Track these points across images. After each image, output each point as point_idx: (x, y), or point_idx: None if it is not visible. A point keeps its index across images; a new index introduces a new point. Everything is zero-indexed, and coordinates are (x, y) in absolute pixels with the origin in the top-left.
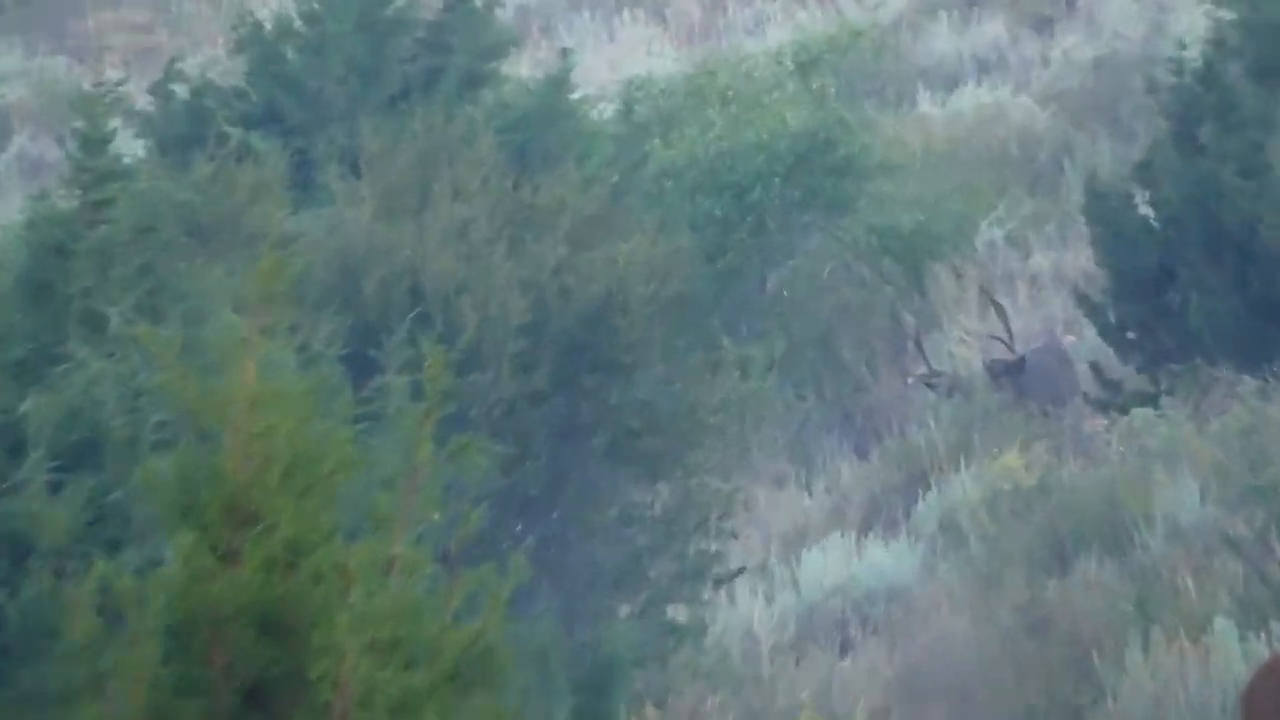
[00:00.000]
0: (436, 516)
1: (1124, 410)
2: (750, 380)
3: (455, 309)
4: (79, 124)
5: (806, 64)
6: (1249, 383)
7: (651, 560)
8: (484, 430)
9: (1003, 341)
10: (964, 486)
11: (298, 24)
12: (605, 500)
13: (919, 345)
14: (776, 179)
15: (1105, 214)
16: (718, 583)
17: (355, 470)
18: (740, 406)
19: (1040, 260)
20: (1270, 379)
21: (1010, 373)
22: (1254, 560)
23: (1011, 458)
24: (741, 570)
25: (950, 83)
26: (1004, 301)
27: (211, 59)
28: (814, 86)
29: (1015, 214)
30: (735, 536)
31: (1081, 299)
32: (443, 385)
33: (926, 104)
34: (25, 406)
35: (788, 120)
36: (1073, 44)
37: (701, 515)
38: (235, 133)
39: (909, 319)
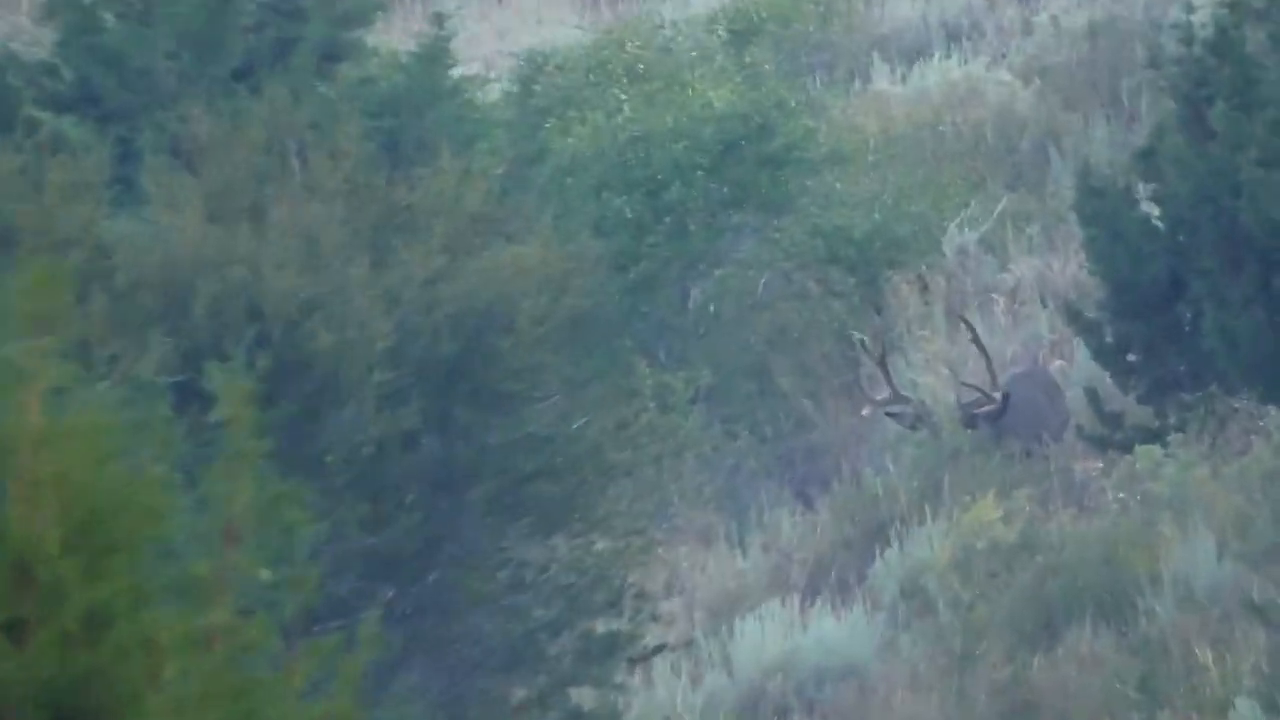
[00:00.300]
0: (266, 576)
1: (1124, 449)
2: (669, 414)
3: (303, 332)
4: None
5: (741, 34)
6: (1275, 415)
7: (551, 635)
8: (344, 479)
9: (980, 391)
10: (931, 542)
11: None
12: (492, 561)
13: (883, 365)
14: (700, 172)
15: (1101, 213)
16: (632, 662)
17: (168, 523)
18: (657, 446)
19: (1022, 269)
20: None
21: (988, 418)
22: None
23: (988, 507)
24: (661, 647)
25: (913, 55)
26: (978, 320)
27: (15, 27)
28: (747, 60)
29: (991, 213)
30: (654, 608)
31: (1072, 315)
32: (246, 424)
33: (884, 81)
34: None
35: (714, 101)
36: (1061, 8)
37: (611, 579)
38: (44, 118)
39: (867, 338)
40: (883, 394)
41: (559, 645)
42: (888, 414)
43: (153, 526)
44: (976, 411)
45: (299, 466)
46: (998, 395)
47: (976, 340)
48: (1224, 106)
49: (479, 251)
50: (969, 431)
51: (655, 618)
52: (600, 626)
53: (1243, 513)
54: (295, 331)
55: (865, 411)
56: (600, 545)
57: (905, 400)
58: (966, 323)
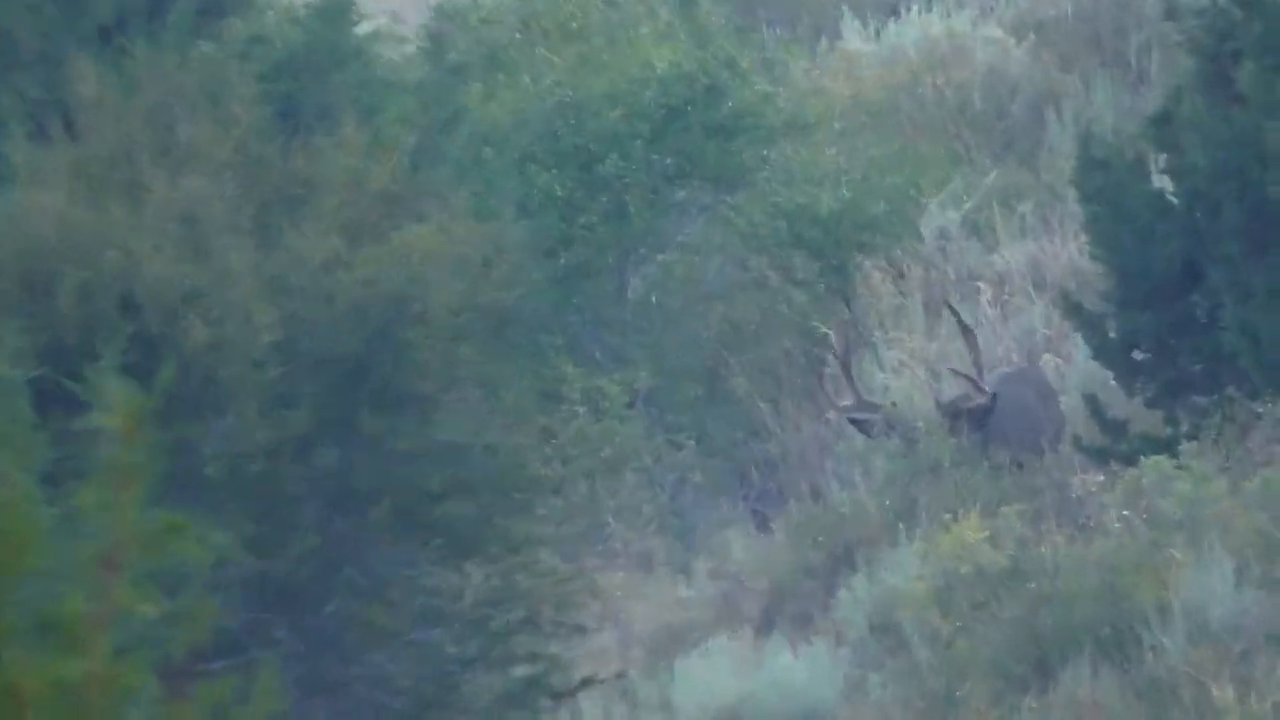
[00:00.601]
0: (150, 611)
1: (1129, 461)
2: (604, 422)
3: (182, 325)
4: None
5: None
6: None
7: (465, 673)
8: (226, 495)
9: (970, 380)
10: (905, 568)
11: None
12: (399, 590)
13: (846, 367)
14: (640, 142)
15: (1105, 188)
16: (556, 697)
17: (34, 550)
18: (589, 458)
19: (1013, 254)
20: None
21: (973, 418)
22: None
23: (972, 527)
24: (590, 682)
25: (887, 8)
26: (963, 312)
27: None
28: (695, 16)
29: (978, 190)
30: (585, 643)
31: (1070, 307)
32: (139, 442)
33: (855, 38)
34: None
35: (655, 62)
36: None
37: (533, 610)
38: None
39: (832, 333)
40: (847, 398)
41: (475, 686)
42: (852, 421)
43: (16, 554)
44: (962, 406)
45: (175, 480)
46: (987, 389)
47: (961, 325)
48: (1252, 65)
49: (385, 233)
50: (950, 440)
51: (586, 652)
52: (523, 665)
53: (1265, 533)
54: (172, 325)
55: (831, 415)
56: (524, 572)
57: (872, 406)
58: (950, 307)
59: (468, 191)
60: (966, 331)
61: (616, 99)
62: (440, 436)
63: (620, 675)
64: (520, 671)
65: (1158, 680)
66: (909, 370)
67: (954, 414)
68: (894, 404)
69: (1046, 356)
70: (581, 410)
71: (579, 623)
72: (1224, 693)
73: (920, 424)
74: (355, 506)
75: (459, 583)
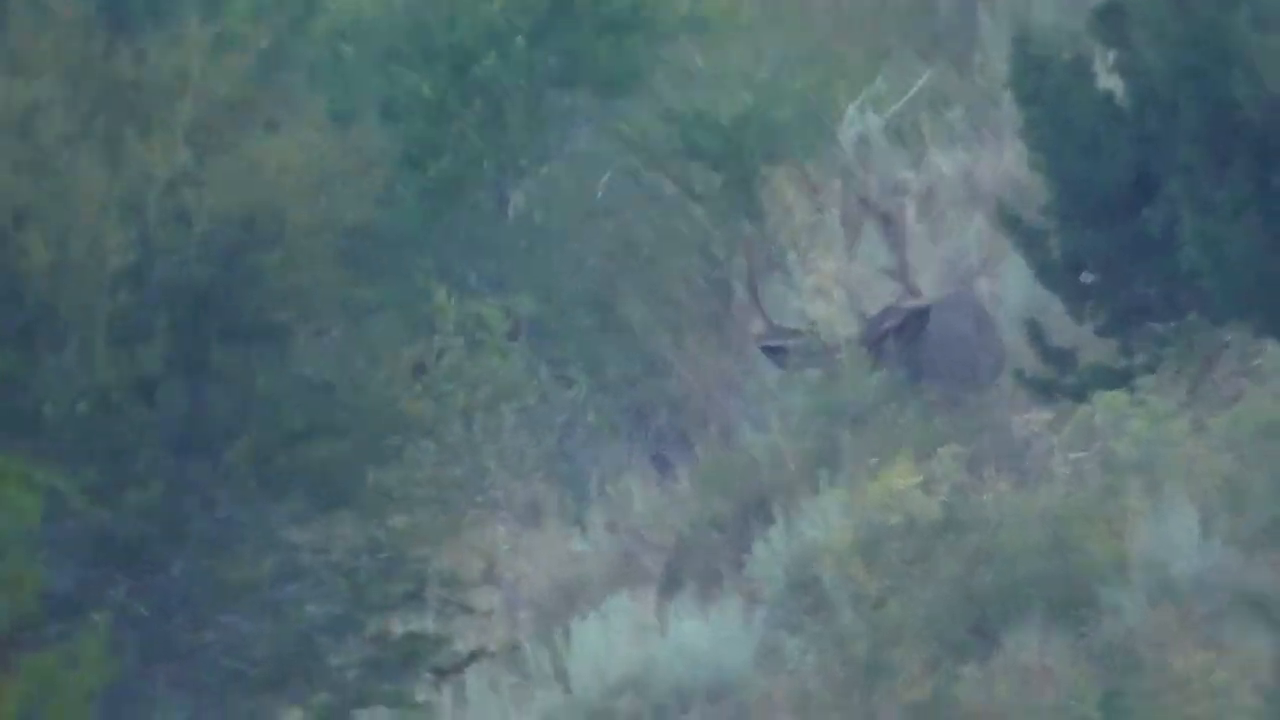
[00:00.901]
0: None
1: (1078, 397)
2: (481, 355)
3: (16, 247)
4: None
5: None
6: (1273, 353)
7: (333, 641)
8: (64, 439)
9: (899, 281)
10: (827, 519)
11: None
12: (254, 545)
13: (754, 290)
14: (520, 39)
15: (1045, 90)
16: (439, 674)
17: None
18: (466, 395)
19: (942, 163)
20: None
21: (902, 336)
22: None
23: (902, 472)
24: (476, 655)
25: None
26: (883, 234)
27: None
28: None
29: (903, 93)
30: (467, 604)
31: (1008, 223)
32: None
33: None
34: None
35: None
36: None
37: (410, 567)
38: None
39: (739, 254)
40: (757, 325)
41: (343, 653)
42: (764, 350)
43: None
44: (889, 324)
45: (4, 423)
46: (921, 294)
47: (885, 222)
48: None
49: (233, 145)
50: (876, 372)
51: (469, 616)
52: (397, 628)
53: (1233, 479)
54: (6, 246)
55: (740, 345)
56: (396, 523)
57: (786, 332)
58: (867, 203)
59: (325, 95)
60: (890, 227)
61: None
62: (300, 371)
63: (511, 648)
64: (395, 637)
65: (1114, 645)
66: (827, 294)
67: (876, 334)
68: (813, 327)
69: (982, 279)
70: (457, 342)
71: (460, 581)
72: (1188, 659)
73: (841, 352)
74: (206, 451)
75: (323, 535)
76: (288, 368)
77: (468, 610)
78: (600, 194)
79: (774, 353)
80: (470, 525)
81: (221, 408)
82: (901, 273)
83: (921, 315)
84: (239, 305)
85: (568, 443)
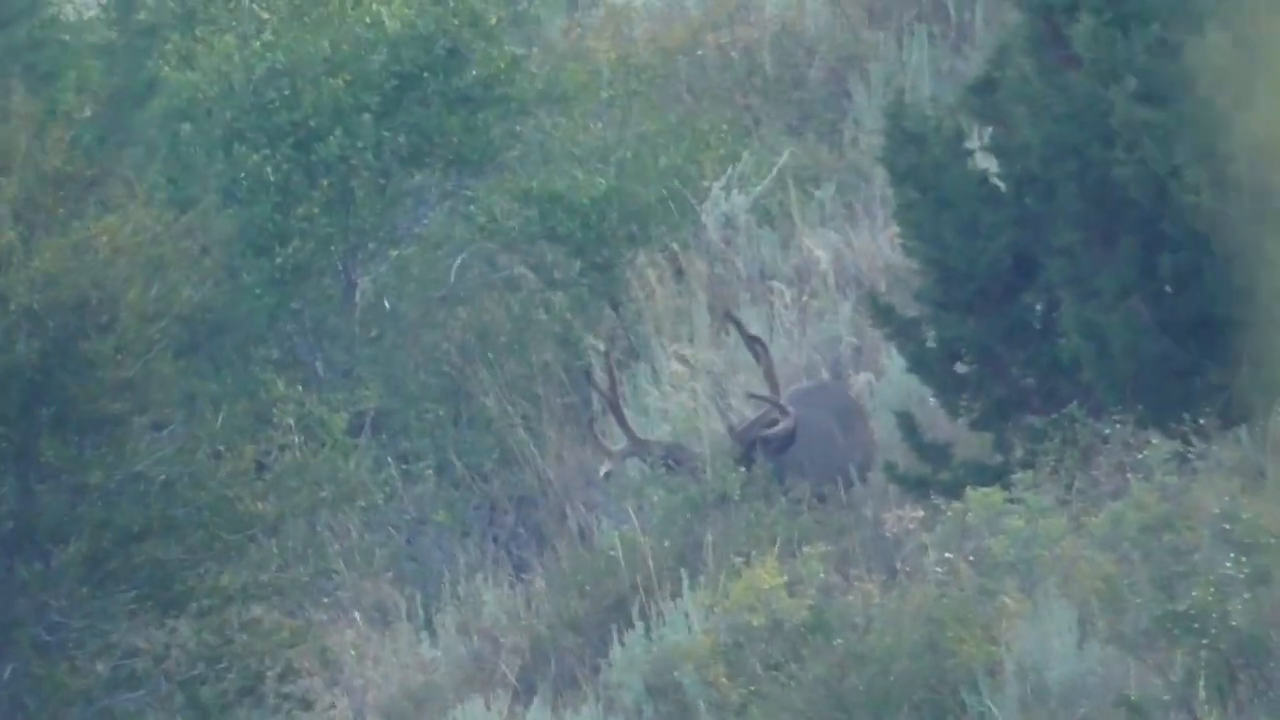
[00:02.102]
0: None
1: (952, 494)
2: (327, 450)
3: None
4: None
5: None
6: (1158, 445)
7: None
8: None
9: (770, 401)
10: (688, 623)
11: None
12: (88, 648)
13: (615, 406)
14: (368, 116)
15: (919, 169)
16: None
17: None
18: (310, 493)
19: (813, 247)
20: (1194, 439)
21: (769, 444)
22: None
23: (768, 572)
24: None
25: None
26: (752, 318)
27: None
28: None
29: (768, 169)
30: (308, 707)
31: (880, 311)
32: None
33: None
34: None
35: (385, 20)
36: None
37: (250, 672)
38: None
39: (595, 368)
40: (620, 441)
41: None
42: (609, 474)
43: None
44: (765, 434)
45: None
46: (790, 410)
47: (747, 339)
48: (1090, 21)
49: (64, 223)
50: (741, 470)
51: (307, 705)
52: None
53: (1112, 579)
54: None
55: (604, 469)
56: (236, 626)
57: (649, 446)
58: (734, 320)
59: (162, 175)
60: (754, 344)
61: (340, 64)
62: (135, 467)
63: None
64: None
65: None
66: (692, 385)
67: (748, 443)
68: (675, 435)
69: (855, 370)
70: (298, 438)
71: (303, 688)
72: None
73: (703, 454)
74: (36, 550)
75: (161, 639)
76: (122, 463)
77: (306, 703)
78: (453, 280)
79: (637, 455)
80: (316, 629)
81: (51, 505)
82: (770, 389)
83: (791, 436)
84: (70, 395)
85: (416, 542)
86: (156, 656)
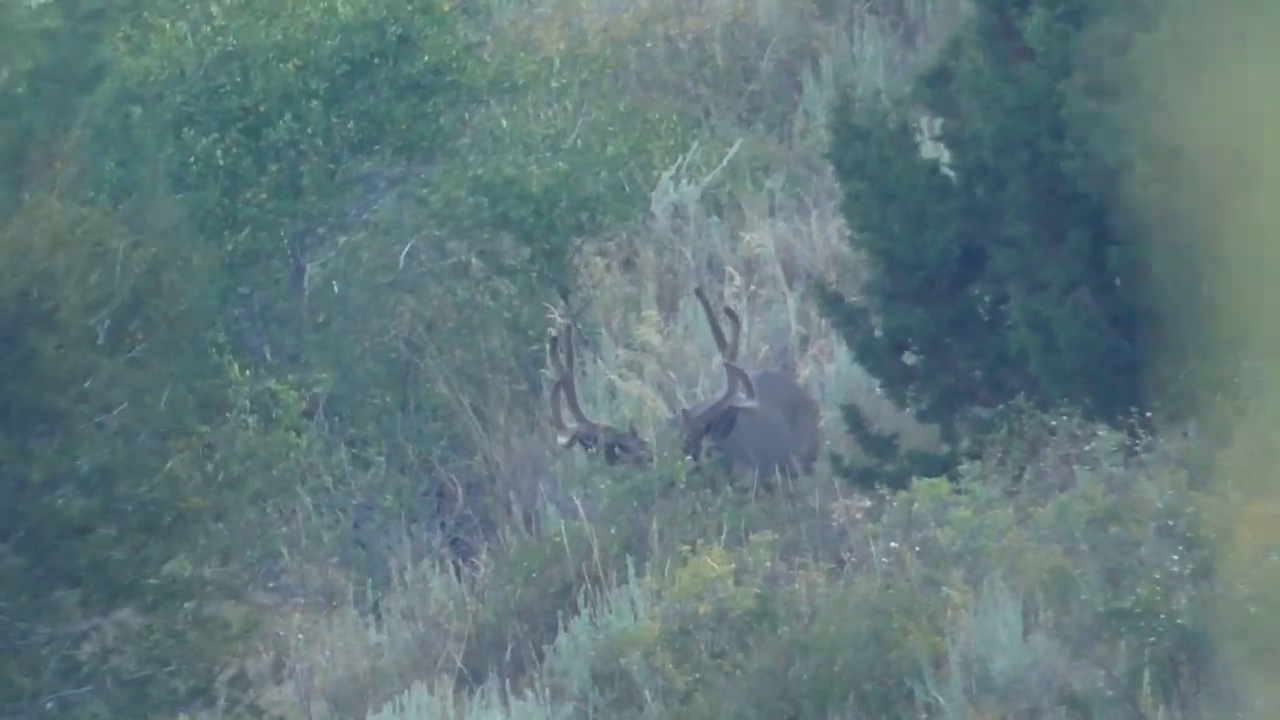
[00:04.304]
0: None
1: (898, 484)
2: (276, 433)
3: None
4: None
5: None
6: (1104, 438)
7: None
8: None
9: (739, 377)
10: (634, 609)
11: None
12: (30, 643)
13: (568, 386)
14: (316, 102)
15: (868, 160)
16: None
17: None
18: (258, 479)
19: (761, 237)
20: (1140, 431)
21: (716, 431)
22: None
23: (715, 560)
24: None
25: None
26: (698, 308)
27: None
28: None
29: (717, 160)
30: (256, 698)
31: (828, 301)
32: None
33: None
34: None
35: (337, 6)
36: None
37: (198, 662)
38: None
39: (555, 329)
40: (571, 422)
41: None
42: (572, 442)
43: None
44: (701, 428)
45: None
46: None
47: (717, 318)
48: (1042, 13)
49: (7, 218)
50: (687, 458)
51: (258, 713)
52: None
53: (1059, 570)
54: None
55: (561, 441)
56: (183, 617)
57: (597, 430)
58: (702, 298)
59: (109, 160)
60: (728, 317)
61: (290, 50)
62: (80, 460)
63: None
64: None
65: None
66: (638, 371)
67: (700, 429)
68: (624, 419)
69: (801, 359)
70: (249, 421)
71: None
72: None
73: (649, 442)
74: None
75: (108, 633)
76: (66, 456)
77: (256, 709)
78: (401, 266)
79: (583, 440)
80: (262, 614)
81: None
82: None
83: (731, 414)
84: (13, 389)
85: (364, 526)
86: (103, 651)
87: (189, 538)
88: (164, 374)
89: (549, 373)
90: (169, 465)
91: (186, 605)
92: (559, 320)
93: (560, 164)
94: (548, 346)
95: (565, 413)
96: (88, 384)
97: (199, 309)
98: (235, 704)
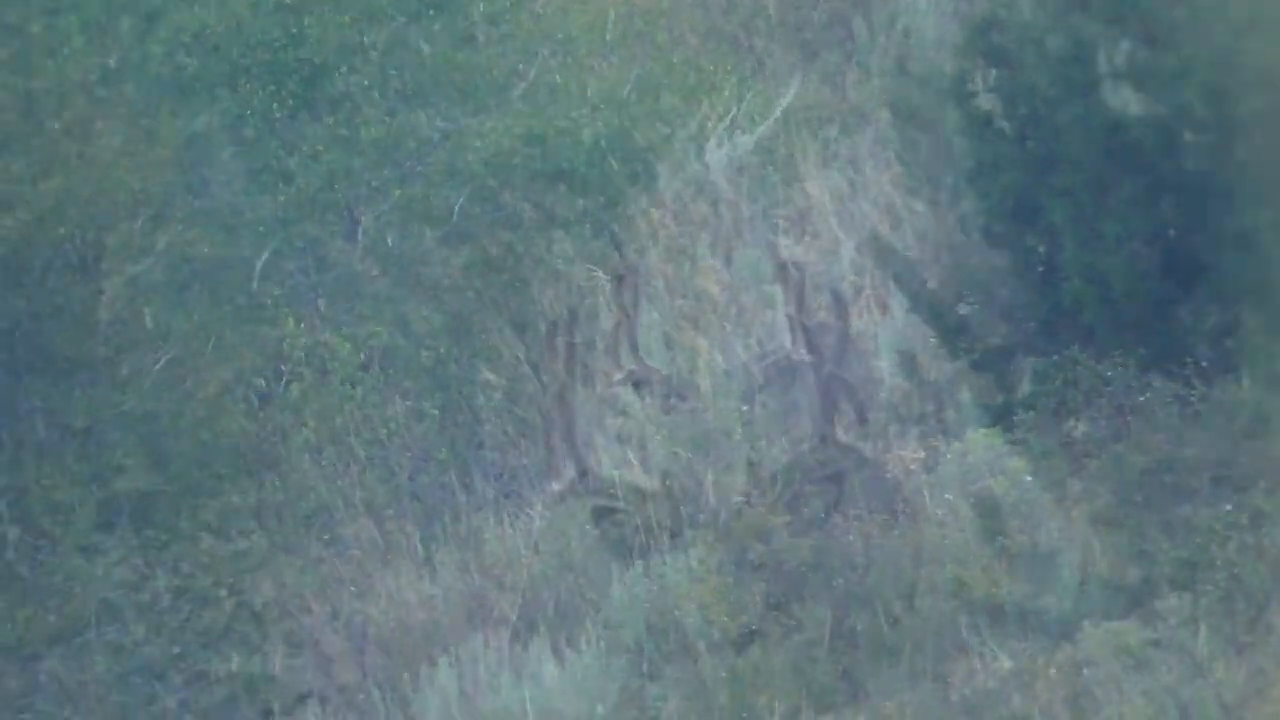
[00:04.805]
0: None
1: (953, 434)
2: (330, 385)
3: None
4: None
5: None
6: (1160, 388)
7: (159, 682)
8: None
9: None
10: (689, 560)
11: None
12: (79, 584)
13: (629, 329)
14: (374, 53)
15: (924, 110)
16: (268, 716)
17: None
18: (312, 429)
19: (815, 188)
20: (1195, 382)
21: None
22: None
23: (769, 510)
24: (306, 697)
25: None
26: (761, 260)
27: None
28: None
29: (770, 110)
30: (308, 646)
31: (883, 251)
32: None
33: None
34: None
35: None
36: None
37: (245, 606)
38: None
39: (603, 277)
40: (627, 366)
41: (167, 695)
42: (624, 384)
43: None
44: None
45: None
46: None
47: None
48: None
49: (66, 162)
50: (743, 408)
51: (308, 656)
52: (231, 667)
53: (1115, 520)
54: None
55: (616, 380)
56: (231, 561)
57: (653, 375)
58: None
59: (164, 111)
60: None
61: (345, 2)
62: (124, 405)
63: (355, 692)
64: (228, 678)
65: (987, 693)
66: (691, 325)
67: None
68: (680, 363)
69: (857, 309)
70: (304, 372)
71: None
72: (1059, 711)
73: (703, 389)
74: (17, 492)
75: (150, 575)
76: (111, 401)
77: (297, 648)
78: (455, 217)
79: (639, 386)
80: (315, 564)
81: (34, 444)
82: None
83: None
84: (54, 335)
85: (420, 478)
86: (145, 591)
87: (241, 485)
88: (214, 324)
89: (604, 322)
90: (218, 414)
91: (233, 546)
92: (616, 268)
93: (613, 116)
94: (604, 294)
95: (624, 357)
96: (133, 334)
97: (250, 259)
98: (279, 642)
